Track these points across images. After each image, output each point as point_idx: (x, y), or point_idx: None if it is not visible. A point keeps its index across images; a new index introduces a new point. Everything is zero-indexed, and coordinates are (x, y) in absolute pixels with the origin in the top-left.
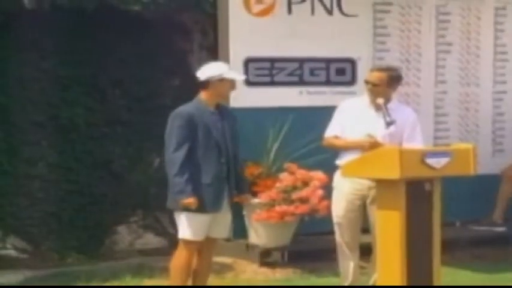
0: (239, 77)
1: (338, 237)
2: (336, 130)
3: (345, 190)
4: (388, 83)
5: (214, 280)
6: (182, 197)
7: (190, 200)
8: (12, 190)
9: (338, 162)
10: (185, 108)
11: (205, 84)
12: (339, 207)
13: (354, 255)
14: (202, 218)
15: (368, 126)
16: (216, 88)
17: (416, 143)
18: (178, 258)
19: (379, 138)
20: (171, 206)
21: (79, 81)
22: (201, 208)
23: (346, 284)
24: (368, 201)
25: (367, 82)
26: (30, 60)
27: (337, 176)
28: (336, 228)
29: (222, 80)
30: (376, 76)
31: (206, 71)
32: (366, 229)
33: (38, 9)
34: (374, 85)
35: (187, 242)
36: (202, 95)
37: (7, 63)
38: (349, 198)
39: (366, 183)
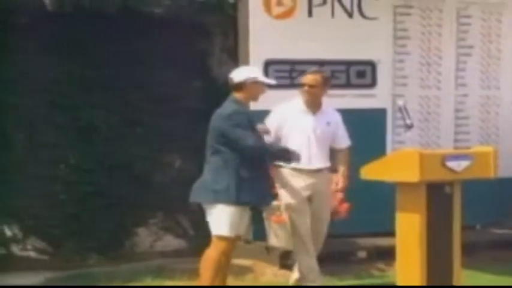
0: (271, 81)
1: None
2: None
3: (297, 185)
4: (322, 84)
5: (233, 282)
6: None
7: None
8: (32, 191)
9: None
10: (238, 109)
11: (240, 86)
12: (296, 195)
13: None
14: (237, 213)
15: (308, 128)
16: (250, 90)
17: (347, 142)
18: (212, 255)
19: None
20: (209, 201)
21: (100, 83)
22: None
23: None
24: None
25: (303, 85)
26: (52, 62)
27: (287, 174)
28: (293, 218)
29: (255, 83)
30: (312, 78)
31: (241, 74)
32: (385, 232)
33: (60, 11)
34: (311, 86)
35: (222, 238)
36: (237, 96)
37: (29, 65)
38: (301, 191)
39: (311, 180)
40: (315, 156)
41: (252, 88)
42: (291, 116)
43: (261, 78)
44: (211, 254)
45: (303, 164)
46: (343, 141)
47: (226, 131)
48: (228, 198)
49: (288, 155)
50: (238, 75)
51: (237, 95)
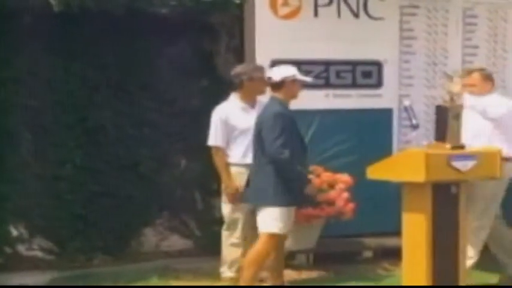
0: (309, 79)
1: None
2: (220, 141)
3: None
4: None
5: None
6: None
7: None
8: (39, 191)
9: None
10: (282, 110)
11: (279, 85)
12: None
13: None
14: (288, 212)
15: (252, 123)
16: (289, 89)
17: None
18: (262, 251)
19: None
20: (261, 203)
21: (107, 84)
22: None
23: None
24: None
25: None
26: (58, 63)
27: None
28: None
29: (294, 81)
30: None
31: (280, 72)
32: (391, 232)
33: (66, 12)
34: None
35: (277, 236)
36: (278, 96)
37: (35, 65)
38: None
39: None
40: None
41: (291, 86)
42: (234, 115)
43: (299, 76)
44: (262, 251)
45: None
46: None
47: (265, 132)
48: (287, 198)
49: (304, 188)
50: (277, 74)
51: (277, 94)
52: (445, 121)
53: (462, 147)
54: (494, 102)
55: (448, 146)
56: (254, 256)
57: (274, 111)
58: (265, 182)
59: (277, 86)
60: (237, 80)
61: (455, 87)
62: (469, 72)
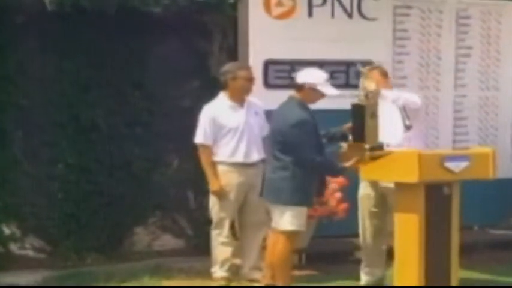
0: (330, 92)
1: None
2: (207, 139)
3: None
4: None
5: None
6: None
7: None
8: (31, 190)
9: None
10: (304, 116)
11: (300, 87)
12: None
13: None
14: (306, 210)
15: (241, 122)
16: (307, 94)
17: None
18: (285, 250)
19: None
20: (282, 201)
21: (99, 83)
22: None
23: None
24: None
25: (251, 79)
26: (51, 62)
27: (223, 170)
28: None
29: (314, 89)
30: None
31: (303, 76)
32: None
33: (59, 11)
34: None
35: (295, 233)
36: (297, 96)
37: (28, 64)
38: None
39: (247, 173)
40: (251, 149)
41: (310, 93)
42: (222, 113)
43: (320, 86)
44: (284, 250)
45: (241, 158)
46: (267, 129)
47: (291, 140)
48: (303, 198)
49: (337, 170)
50: (300, 76)
51: (297, 95)
52: (362, 120)
53: (380, 146)
54: (410, 94)
55: (367, 146)
56: (280, 258)
57: (296, 119)
58: (284, 183)
59: (297, 87)
60: (222, 79)
61: (371, 84)
62: (370, 70)
